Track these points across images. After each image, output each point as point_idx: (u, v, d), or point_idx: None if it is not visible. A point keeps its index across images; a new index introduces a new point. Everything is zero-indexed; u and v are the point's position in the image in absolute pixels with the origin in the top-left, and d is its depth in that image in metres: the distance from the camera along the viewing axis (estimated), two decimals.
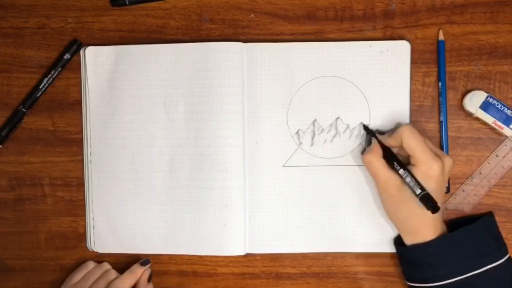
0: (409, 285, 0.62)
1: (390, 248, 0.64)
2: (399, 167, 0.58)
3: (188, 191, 0.66)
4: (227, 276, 0.67)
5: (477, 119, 0.64)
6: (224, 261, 0.67)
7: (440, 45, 0.64)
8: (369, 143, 0.64)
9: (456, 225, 0.62)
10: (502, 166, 0.64)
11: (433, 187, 0.57)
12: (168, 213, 0.66)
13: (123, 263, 0.67)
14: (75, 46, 0.66)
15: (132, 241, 0.67)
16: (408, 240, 0.61)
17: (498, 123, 0.63)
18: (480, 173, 0.64)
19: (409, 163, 0.59)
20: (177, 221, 0.66)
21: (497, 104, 0.63)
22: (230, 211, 0.65)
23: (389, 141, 0.60)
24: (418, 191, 0.57)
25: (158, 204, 0.66)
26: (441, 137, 0.64)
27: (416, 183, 0.57)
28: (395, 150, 0.61)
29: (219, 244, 0.65)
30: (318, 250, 0.66)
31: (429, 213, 0.56)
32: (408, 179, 0.58)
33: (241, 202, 0.65)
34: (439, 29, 0.64)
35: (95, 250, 0.67)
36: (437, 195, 0.57)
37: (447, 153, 0.64)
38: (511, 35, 0.64)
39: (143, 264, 0.66)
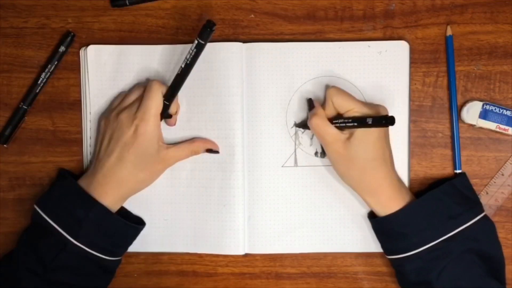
0: (388, 258, 0.62)
1: None
2: (341, 119, 0.59)
3: (188, 190, 0.66)
4: (227, 276, 0.67)
5: (481, 128, 0.64)
6: (224, 261, 0.67)
7: (448, 40, 0.64)
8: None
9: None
10: None
11: (377, 135, 0.58)
12: (169, 211, 0.66)
13: (123, 262, 0.67)
14: (69, 37, 0.65)
15: None
16: (372, 203, 0.60)
17: (502, 126, 0.63)
18: (503, 175, 0.64)
19: None
20: (177, 219, 0.66)
21: (495, 109, 0.63)
22: (230, 211, 0.65)
23: (326, 112, 0.61)
24: (368, 120, 0.56)
25: (159, 203, 0.66)
26: (452, 137, 0.64)
27: (362, 119, 0.57)
28: None
29: (218, 243, 0.65)
30: (318, 250, 0.66)
31: (381, 167, 0.58)
32: (351, 122, 0.58)
33: (240, 202, 0.65)
34: (447, 25, 0.64)
35: None
36: (382, 143, 0.58)
37: (459, 156, 0.64)
38: (511, 35, 0.64)
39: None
